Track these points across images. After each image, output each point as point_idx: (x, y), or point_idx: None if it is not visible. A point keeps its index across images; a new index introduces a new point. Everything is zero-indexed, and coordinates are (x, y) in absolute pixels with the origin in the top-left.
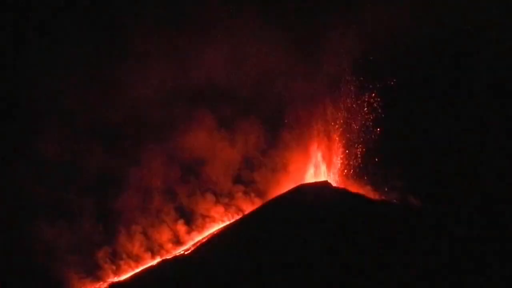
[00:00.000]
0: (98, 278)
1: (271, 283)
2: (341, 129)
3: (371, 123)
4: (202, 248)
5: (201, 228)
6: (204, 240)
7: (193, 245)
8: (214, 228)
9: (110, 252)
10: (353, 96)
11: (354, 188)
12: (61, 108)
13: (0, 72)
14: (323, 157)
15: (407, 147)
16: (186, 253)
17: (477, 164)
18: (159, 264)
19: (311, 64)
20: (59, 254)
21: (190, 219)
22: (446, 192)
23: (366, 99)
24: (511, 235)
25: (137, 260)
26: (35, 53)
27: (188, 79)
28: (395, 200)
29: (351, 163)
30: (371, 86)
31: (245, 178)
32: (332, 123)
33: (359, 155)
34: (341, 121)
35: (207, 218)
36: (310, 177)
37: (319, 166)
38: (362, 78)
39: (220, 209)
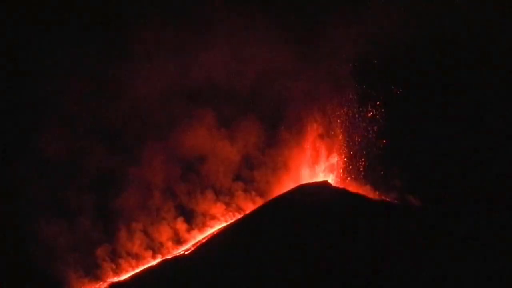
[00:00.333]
0: (98, 277)
1: (271, 283)
2: (341, 128)
3: (371, 123)
4: (203, 248)
5: (202, 226)
6: (204, 240)
7: (194, 245)
8: (214, 225)
9: (110, 251)
10: (352, 96)
11: (353, 188)
12: (61, 106)
13: (1, 72)
14: (323, 157)
15: (406, 147)
16: (186, 253)
17: (477, 164)
18: (159, 264)
19: (310, 63)
20: (59, 253)
21: (190, 217)
22: (446, 192)
23: (366, 99)
24: (511, 235)
25: (137, 258)
26: (35, 52)
27: (189, 78)
28: (395, 200)
29: (350, 162)
30: (371, 86)
31: (245, 176)
32: (332, 123)
33: (358, 155)
34: (341, 120)
35: (207, 216)
36: (310, 177)
37: (319, 166)
38: (361, 78)
39: (221, 206)
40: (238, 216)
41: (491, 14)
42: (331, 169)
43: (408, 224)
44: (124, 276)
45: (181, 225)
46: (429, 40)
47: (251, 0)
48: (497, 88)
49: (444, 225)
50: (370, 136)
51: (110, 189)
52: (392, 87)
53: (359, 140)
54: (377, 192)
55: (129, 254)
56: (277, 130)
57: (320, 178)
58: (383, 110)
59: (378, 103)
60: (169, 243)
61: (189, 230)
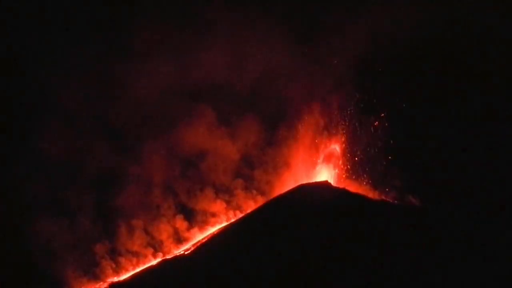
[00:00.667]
0: (98, 276)
1: (272, 283)
2: (341, 128)
3: (371, 123)
4: (203, 248)
5: (202, 224)
6: (204, 240)
7: (194, 244)
8: (214, 224)
9: (110, 249)
10: (353, 96)
11: (354, 188)
12: (61, 106)
13: (1, 72)
14: (323, 156)
15: (406, 147)
16: (186, 253)
17: (477, 164)
18: (159, 264)
19: (311, 62)
20: (59, 252)
21: (191, 216)
22: (446, 192)
23: (367, 99)
24: (511, 234)
25: (137, 256)
26: (35, 52)
27: (189, 77)
28: (394, 200)
29: (351, 162)
30: (371, 86)
31: (245, 174)
32: (332, 122)
33: (359, 155)
34: (341, 120)
35: (207, 214)
36: (310, 176)
37: (319, 165)
38: (362, 78)
39: (221, 205)
40: (239, 214)
41: (491, 14)
42: (331, 168)
43: (408, 224)
44: (124, 276)
45: (181, 224)
46: (429, 40)
47: (251, 0)
48: (497, 88)
49: (444, 225)
50: (370, 136)
51: (110, 188)
52: (393, 87)
53: (359, 139)
54: (377, 192)
55: (129, 252)
56: (277, 129)
57: (320, 177)
58: (383, 110)
59: (378, 103)
60: (169, 241)
61: (189, 228)
